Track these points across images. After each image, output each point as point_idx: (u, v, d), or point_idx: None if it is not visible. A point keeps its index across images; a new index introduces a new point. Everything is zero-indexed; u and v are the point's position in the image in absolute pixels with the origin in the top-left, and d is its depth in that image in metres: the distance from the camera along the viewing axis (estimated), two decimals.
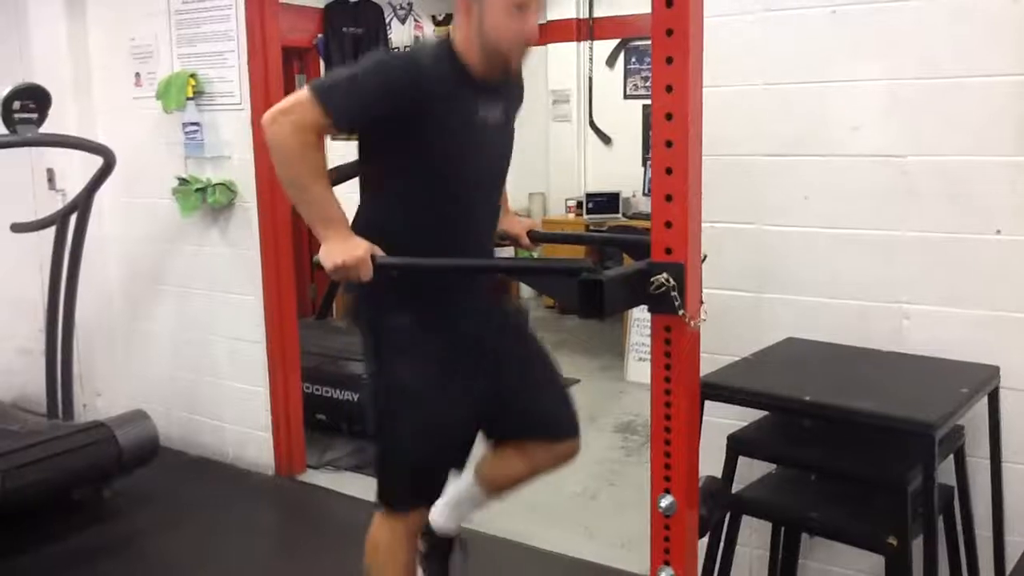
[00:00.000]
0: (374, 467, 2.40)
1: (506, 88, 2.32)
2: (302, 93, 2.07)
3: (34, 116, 3.51)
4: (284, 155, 2.06)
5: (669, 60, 1.53)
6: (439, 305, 2.24)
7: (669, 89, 1.54)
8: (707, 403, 2.16)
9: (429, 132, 2.14)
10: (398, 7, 7.28)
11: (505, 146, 2.37)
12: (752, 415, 2.36)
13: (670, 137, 1.55)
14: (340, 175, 3.01)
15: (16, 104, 3.45)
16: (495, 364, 2.34)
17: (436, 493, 2.37)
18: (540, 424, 2.46)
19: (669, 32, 1.53)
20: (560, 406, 2.53)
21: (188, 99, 3.92)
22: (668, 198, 1.58)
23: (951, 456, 2.24)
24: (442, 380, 2.23)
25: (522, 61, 2.25)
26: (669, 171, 1.57)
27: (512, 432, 2.44)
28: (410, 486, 2.32)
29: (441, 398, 2.24)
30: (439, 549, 2.51)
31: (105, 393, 4.51)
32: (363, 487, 2.48)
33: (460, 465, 2.41)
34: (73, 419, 4.02)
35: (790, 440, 2.27)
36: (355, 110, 2.10)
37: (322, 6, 6.74)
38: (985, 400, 2.24)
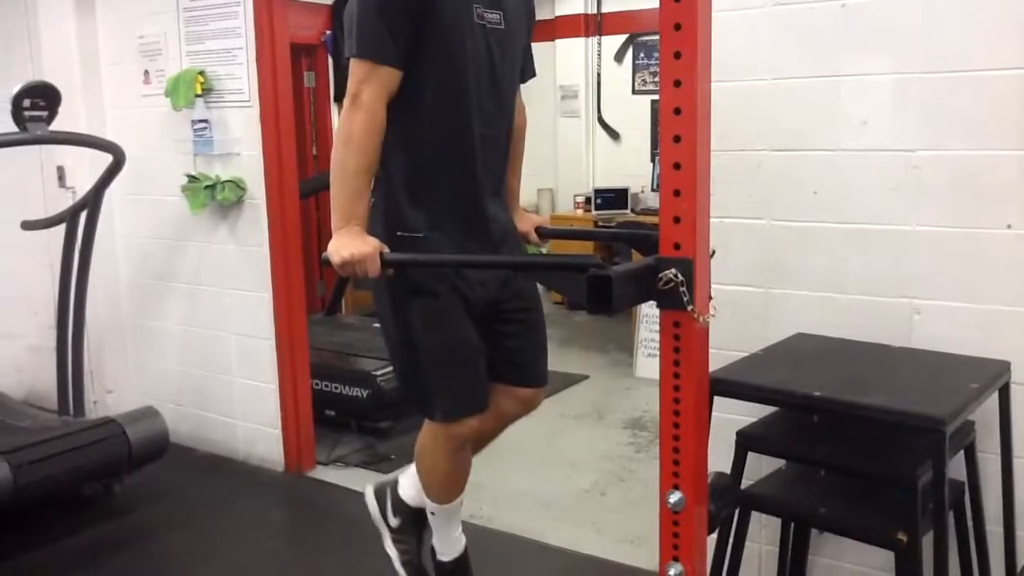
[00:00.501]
0: (402, 385, 2.45)
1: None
2: (354, 66, 2.11)
3: (44, 114, 3.52)
4: (347, 145, 2.10)
5: (677, 55, 1.53)
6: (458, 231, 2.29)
7: (677, 84, 1.54)
8: (716, 399, 2.14)
9: (433, 24, 2.14)
10: None
11: (507, 53, 2.35)
12: (761, 411, 2.36)
13: (678, 132, 1.55)
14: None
15: (26, 102, 3.46)
16: (505, 308, 2.40)
17: (473, 401, 2.36)
18: (515, 368, 2.50)
19: (677, 27, 1.53)
20: (538, 356, 2.58)
21: (197, 96, 3.93)
22: (676, 193, 1.57)
23: (961, 452, 2.23)
24: (459, 301, 2.29)
25: None
26: (677, 166, 1.56)
27: (489, 369, 2.44)
28: (443, 394, 2.33)
29: (460, 314, 2.29)
30: (412, 519, 2.56)
31: (115, 390, 4.53)
32: (372, 476, 2.49)
33: (483, 377, 2.41)
34: (84, 415, 4.04)
35: (799, 436, 2.26)
36: (397, 34, 2.11)
37: (330, 2, 6.74)
38: (996, 395, 2.22)
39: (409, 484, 2.56)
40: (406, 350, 2.33)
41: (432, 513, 2.50)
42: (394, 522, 2.59)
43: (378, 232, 2.19)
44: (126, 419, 3.73)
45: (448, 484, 2.45)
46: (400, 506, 2.58)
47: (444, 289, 2.27)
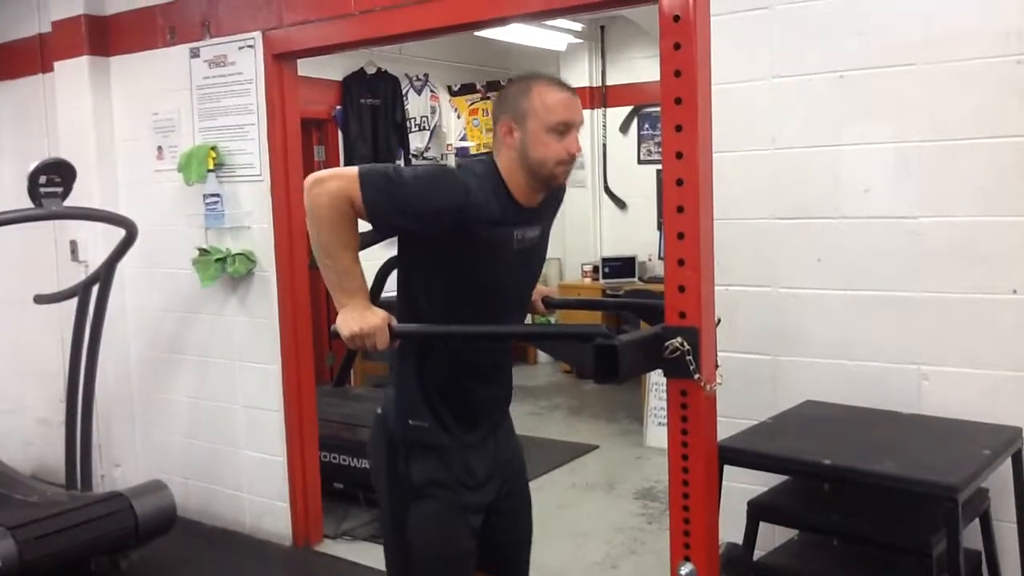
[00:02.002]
0: None
1: (547, 203, 2.32)
2: (350, 170, 2.08)
3: (59, 190, 3.58)
4: (318, 221, 2.07)
5: (679, 128, 1.56)
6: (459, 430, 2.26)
7: (679, 156, 1.57)
8: (726, 468, 2.14)
9: (462, 250, 2.14)
10: (414, 78, 7.43)
11: (537, 262, 2.39)
12: (772, 479, 2.34)
13: (681, 202, 1.58)
14: (369, 240, 3.04)
15: (42, 179, 3.52)
16: (498, 505, 2.35)
17: None
18: (501, 562, 2.44)
19: (678, 100, 1.56)
20: (522, 551, 2.51)
21: (209, 171, 3.99)
22: (681, 262, 1.59)
23: (976, 520, 2.20)
24: (459, 509, 2.25)
25: (567, 177, 2.23)
26: (681, 236, 1.59)
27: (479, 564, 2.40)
28: None
29: (459, 522, 2.25)
30: None
31: (123, 463, 4.51)
32: (380, 557, 2.45)
33: None
34: (91, 490, 4.01)
35: (811, 505, 2.24)
36: (389, 217, 2.09)
37: (340, 78, 6.89)
38: (1009, 462, 2.20)
39: None
40: (400, 552, 2.30)
41: None
42: None
43: (392, 416, 2.23)
44: (133, 493, 3.70)
45: None
46: None
47: (445, 495, 2.24)
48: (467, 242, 2.13)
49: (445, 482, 2.24)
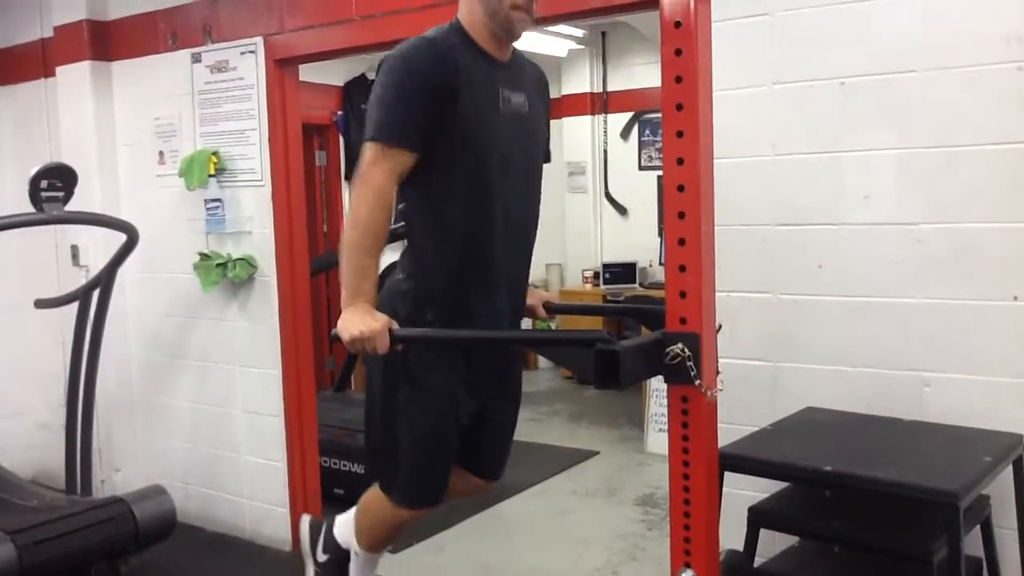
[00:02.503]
0: (370, 455, 2.54)
1: (524, 75, 2.39)
2: (367, 148, 2.15)
3: (61, 194, 3.58)
4: (356, 223, 2.14)
5: (680, 134, 1.57)
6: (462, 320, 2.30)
7: (680, 162, 1.57)
8: (727, 474, 2.13)
9: (455, 107, 2.18)
10: None
11: (532, 136, 2.41)
12: (773, 486, 2.34)
13: (682, 208, 1.58)
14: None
15: (44, 183, 3.52)
16: (486, 404, 2.42)
17: (432, 496, 2.42)
18: (477, 458, 2.54)
19: (679, 107, 1.57)
20: (502, 453, 2.61)
21: (210, 176, 3.99)
22: (682, 268, 1.59)
23: (977, 527, 2.20)
24: (451, 404, 2.32)
25: (525, 25, 2.28)
26: (682, 242, 1.59)
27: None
28: (407, 483, 2.38)
29: (448, 416, 2.33)
30: (337, 559, 2.63)
31: (123, 467, 4.51)
32: (381, 565, 2.48)
33: (448, 476, 2.45)
34: (91, 495, 4.01)
35: (812, 511, 2.24)
36: (413, 122, 2.15)
37: (341, 84, 6.90)
38: (1010, 469, 2.20)
39: (344, 525, 2.63)
40: (385, 430, 2.37)
41: (356, 554, 2.57)
42: (321, 557, 2.68)
43: (400, 312, 2.23)
44: (134, 498, 3.70)
45: (381, 542, 2.55)
46: (330, 544, 2.66)
47: (441, 387, 2.30)
48: (455, 101, 2.17)
49: (440, 369, 2.28)
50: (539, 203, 2.49)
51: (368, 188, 2.13)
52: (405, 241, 2.36)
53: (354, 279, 2.14)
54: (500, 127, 2.27)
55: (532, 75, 2.46)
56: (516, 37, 2.32)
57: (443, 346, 2.32)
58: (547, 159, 2.57)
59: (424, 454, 2.35)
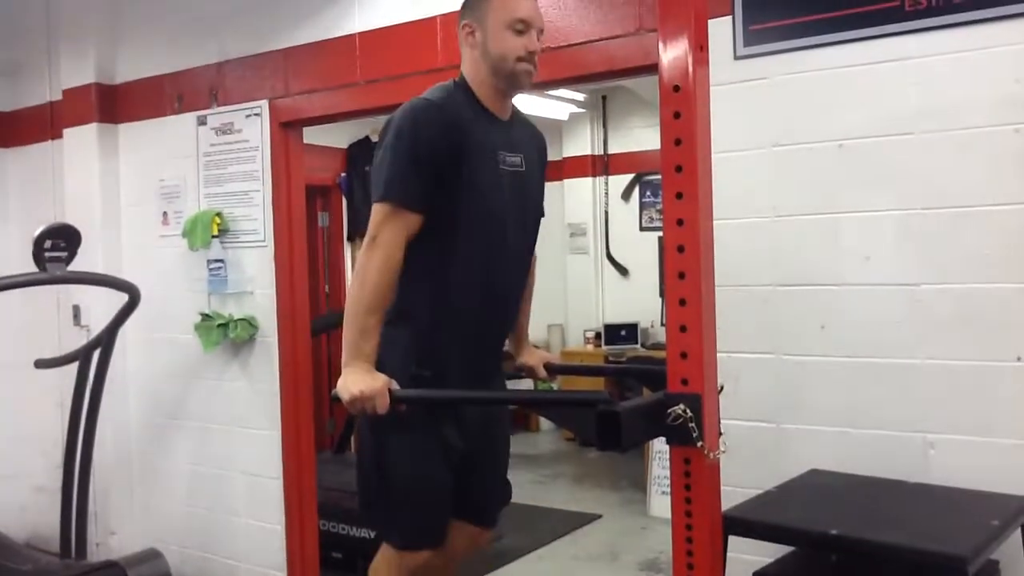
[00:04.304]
0: (364, 504, 2.46)
1: (523, 134, 2.42)
2: (375, 210, 2.18)
3: (64, 254, 3.60)
4: (364, 283, 2.15)
5: (679, 195, 1.58)
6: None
7: (680, 223, 1.58)
8: (731, 538, 2.10)
9: (456, 166, 2.20)
10: None
11: (528, 197, 2.43)
12: (778, 550, 2.30)
13: (683, 269, 1.58)
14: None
15: (47, 243, 3.55)
16: (474, 448, 2.41)
17: (432, 536, 2.37)
18: (472, 506, 2.51)
19: (679, 169, 1.58)
20: (497, 499, 2.61)
21: (213, 237, 4.02)
22: (683, 329, 1.59)
23: None
24: (439, 444, 2.31)
25: (529, 79, 2.32)
26: (683, 302, 1.59)
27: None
28: (405, 524, 2.35)
29: (437, 455, 2.31)
30: None
31: (119, 530, 4.44)
32: None
33: (446, 514, 2.42)
34: (86, 558, 3.95)
35: None
36: (419, 180, 2.18)
37: (345, 146, 6.98)
38: (1018, 533, 2.17)
39: None
40: (377, 474, 2.36)
41: None
42: None
43: (394, 365, 2.22)
44: (129, 562, 3.65)
45: None
46: None
47: (428, 430, 2.30)
48: (456, 160, 2.19)
49: (428, 414, 2.27)
50: (530, 260, 2.53)
51: (378, 249, 2.15)
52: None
53: (357, 338, 2.14)
54: (497, 188, 2.30)
55: (529, 133, 2.50)
56: (522, 90, 2.37)
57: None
58: (541, 214, 2.59)
59: (418, 490, 2.32)
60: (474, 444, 2.41)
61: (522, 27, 2.25)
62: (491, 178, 2.28)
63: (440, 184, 2.20)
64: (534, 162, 2.47)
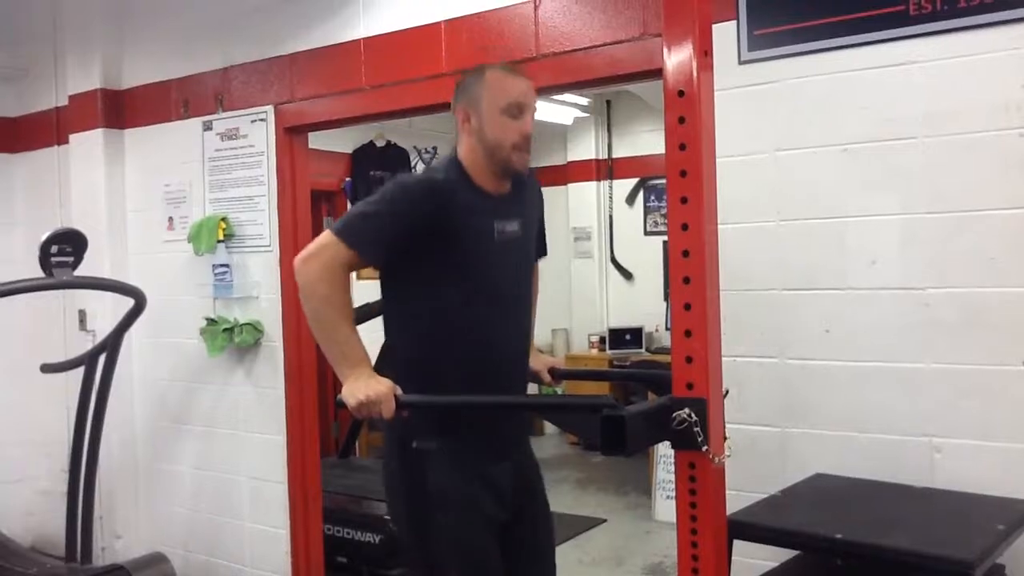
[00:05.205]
0: None
1: (520, 196, 2.37)
2: (326, 235, 2.15)
3: (70, 259, 3.61)
4: (312, 298, 2.12)
5: (684, 200, 1.58)
6: (475, 449, 2.25)
7: (685, 227, 1.58)
8: (736, 542, 2.10)
9: (449, 247, 2.19)
10: (423, 151, 7.54)
11: (525, 257, 2.41)
12: (783, 554, 2.30)
13: (687, 273, 1.58)
14: (366, 313, 3.06)
15: (54, 248, 3.56)
16: (513, 520, 2.33)
17: None
18: None
19: (683, 173, 1.58)
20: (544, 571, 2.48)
21: (218, 242, 4.03)
22: (688, 333, 1.59)
23: None
24: (479, 517, 2.23)
25: (525, 163, 2.29)
26: (688, 307, 1.59)
27: None
28: None
29: (481, 531, 2.23)
30: None
31: (125, 534, 4.45)
32: None
33: None
34: (91, 562, 3.96)
35: None
36: (380, 241, 2.16)
37: (350, 151, 6.99)
38: None
39: None
40: (426, 569, 2.27)
41: None
42: None
43: (393, 440, 2.24)
44: (134, 566, 3.66)
45: None
46: None
47: (465, 503, 2.22)
48: (450, 241, 2.17)
49: (465, 490, 2.20)
50: (530, 316, 2.50)
51: (320, 265, 2.10)
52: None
53: (342, 352, 2.11)
54: (493, 263, 2.27)
55: (528, 190, 2.43)
56: (517, 175, 2.31)
57: (460, 461, 2.23)
58: (544, 253, 2.57)
59: (475, 568, 2.24)
60: (516, 510, 2.33)
61: (516, 111, 2.22)
62: (486, 255, 2.25)
63: (428, 257, 2.18)
64: (532, 217, 2.44)
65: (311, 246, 2.16)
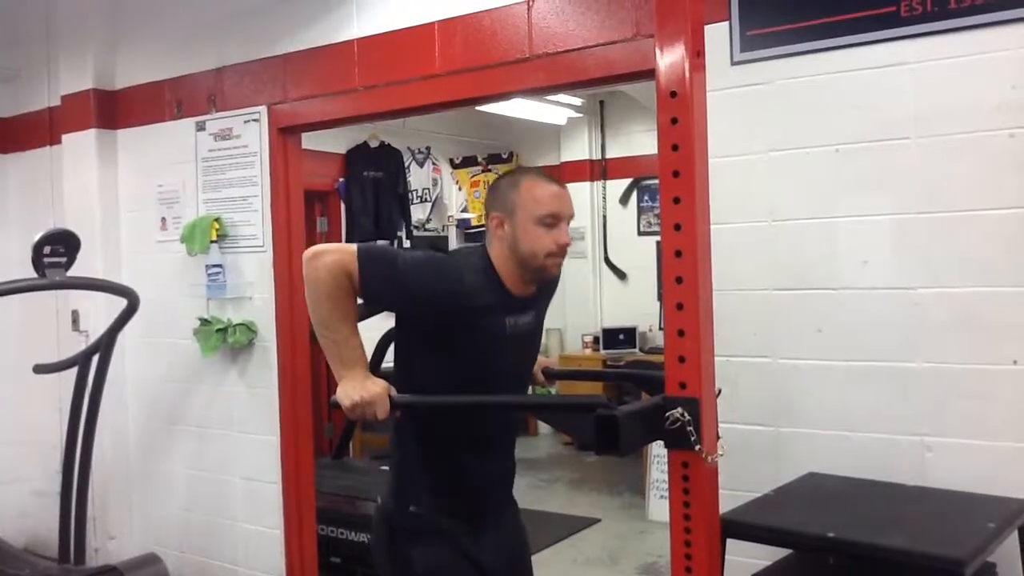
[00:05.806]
0: None
1: (541, 290, 2.35)
2: (351, 246, 2.13)
3: (63, 260, 3.60)
4: (317, 292, 2.10)
5: (676, 200, 1.59)
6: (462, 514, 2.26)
7: (678, 227, 1.59)
8: (729, 541, 2.11)
9: (456, 335, 2.18)
10: (416, 151, 7.54)
11: (532, 344, 2.41)
12: (776, 553, 2.30)
13: (680, 273, 1.59)
14: (365, 312, 3.06)
15: (47, 249, 3.55)
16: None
17: None
18: None
19: (676, 174, 1.59)
20: None
21: (212, 242, 4.02)
22: (680, 333, 1.60)
23: None
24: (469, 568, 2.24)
25: (558, 269, 2.27)
26: (680, 307, 1.60)
27: None
28: None
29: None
30: None
31: (118, 535, 4.44)
32: None
33: None
34: (84, 563, 3.95)
35: None
36: (383, 296, 2.15)
37: (343, 151, 6.99)
38: (1015, 535, 2.17)
39: None
40: None
41: None
42: None
43: (391, 503, 2.26)
44: (127, 567, 3.66)
45: None
46: None
47: (454, 558, 2.23)
48: (460, 328, 2.17)
49: (449, 567, 2.21)
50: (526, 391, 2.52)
51: (332, 261, 2.08)
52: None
53: (339, 351, 2.10)
54: (502, 351, 2.25)
55: (548, 286, 2.41)
56: (547, 282, 2.31)
57: (447, 530, 2.24)
58: None
59: None
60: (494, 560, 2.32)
61: (552, 220, 2.18)
62: (496, 345, 2.23)
63: (435, 329, 2.18)
64: (546, 304, 2.44)
65: (328, 245, 2.15)
